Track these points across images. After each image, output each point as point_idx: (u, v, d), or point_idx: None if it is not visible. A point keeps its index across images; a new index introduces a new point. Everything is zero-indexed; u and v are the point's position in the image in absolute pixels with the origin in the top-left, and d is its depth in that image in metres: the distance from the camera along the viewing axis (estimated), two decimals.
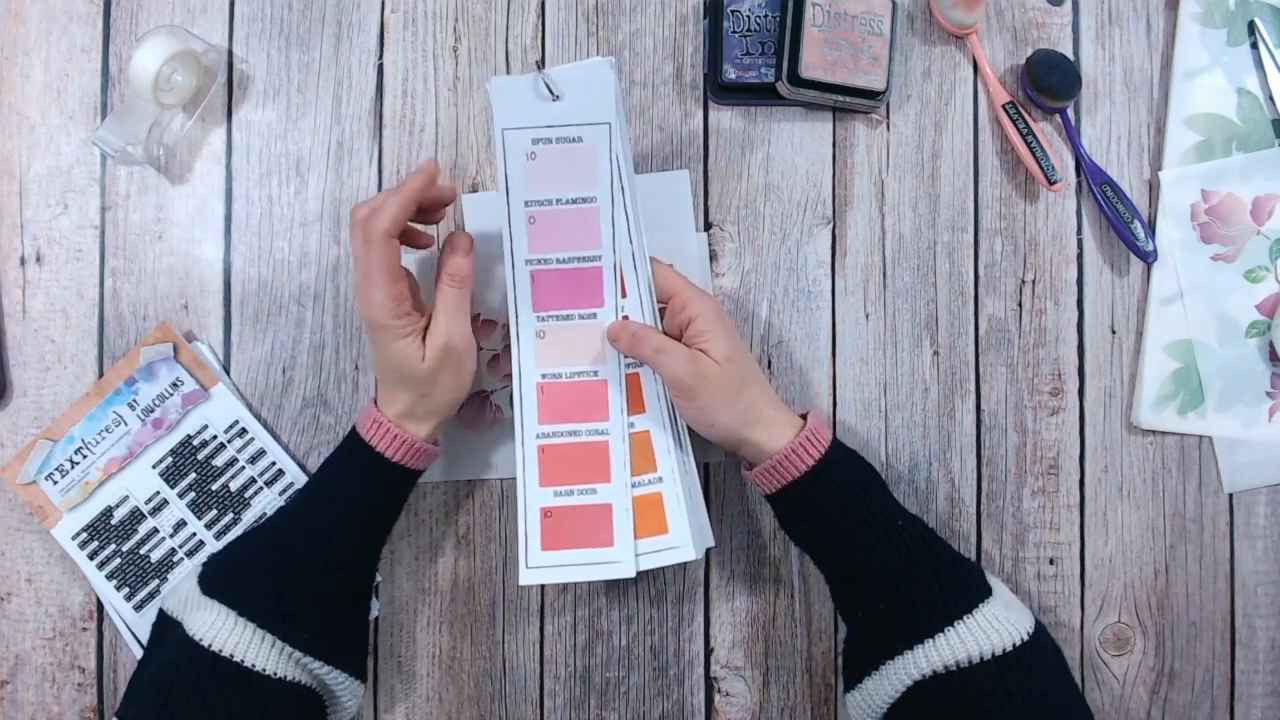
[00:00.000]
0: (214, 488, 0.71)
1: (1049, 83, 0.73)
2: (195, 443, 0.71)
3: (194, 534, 0.71)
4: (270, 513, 0.71)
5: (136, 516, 0.71)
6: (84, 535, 0.70)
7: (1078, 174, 0.75)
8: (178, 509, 0.71)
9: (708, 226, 0.74)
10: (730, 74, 0.72)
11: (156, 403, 0.71)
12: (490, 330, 0.72)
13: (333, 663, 0.62)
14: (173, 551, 0.71)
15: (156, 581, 0.71)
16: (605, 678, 0.73)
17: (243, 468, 0.71)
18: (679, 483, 0.66)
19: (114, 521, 0.70)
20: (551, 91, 0.63)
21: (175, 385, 0.71)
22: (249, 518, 0.71)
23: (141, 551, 0.71)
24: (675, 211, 0.73)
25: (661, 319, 0.66)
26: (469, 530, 0.73)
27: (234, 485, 0.71)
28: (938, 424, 0.74)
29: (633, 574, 0.65)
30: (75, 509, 0.70)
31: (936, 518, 0.74)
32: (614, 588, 0.73)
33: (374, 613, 0.72)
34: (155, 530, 0.71)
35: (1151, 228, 0.75)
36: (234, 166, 0.73)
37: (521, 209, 0.65)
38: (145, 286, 0.72)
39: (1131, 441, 0.75)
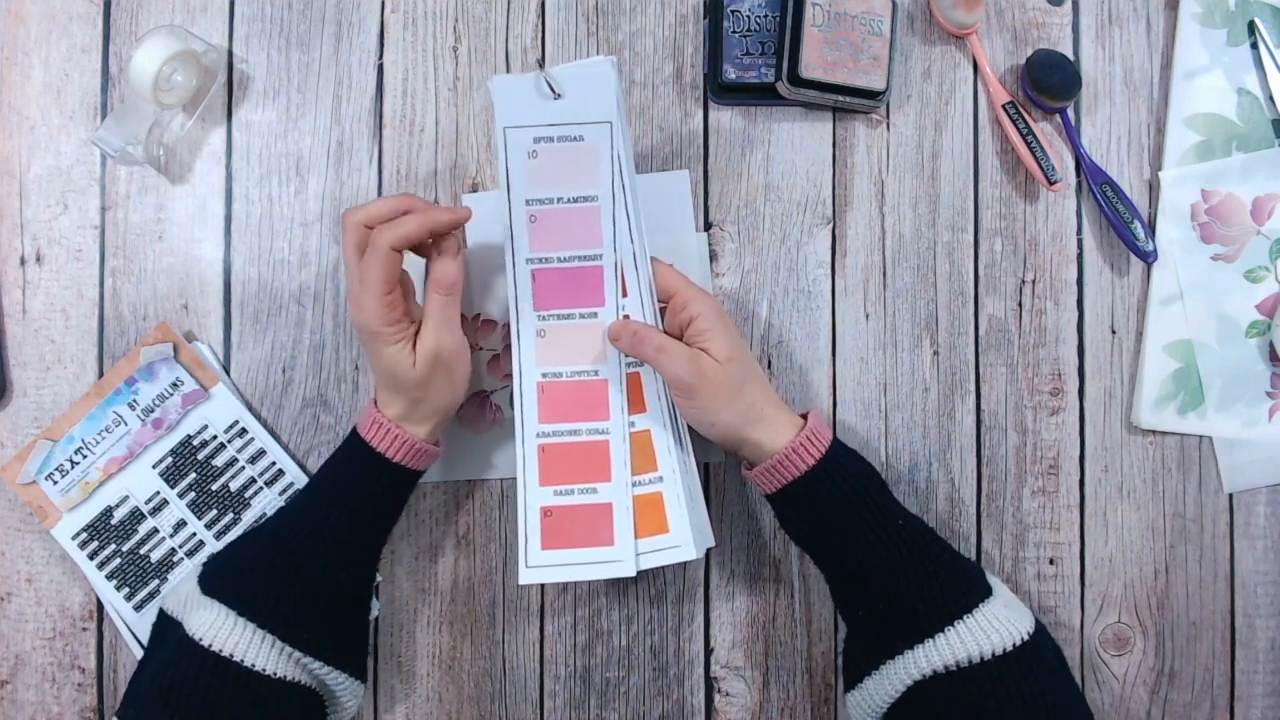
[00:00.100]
0: (214, 488, 0.71)
1: (1049, 83, 0.73)
2: (195, 443, 0.71)
3: (194, 534, 0.71)
4: (270, 513, 0.71)
5: (136, 516, 0.71)
6: (84, 535, 0.70)
7: (1078, 174, 0.76)
8: (178, 509, 0.71)
9: (708, 226, 0.74)
10: (730, 74, 0.72)
11: (156, 403, 0.71)
12: (490, 330, 0.72)
13: (333, 663, 0.62)
14: (173, 551, 0.71)
15: (156, 581, 0.71)
16: (605, 678, 0.73)
17: (243, 468, 0.71)
18: (679, 482, 0.66)
19: (114, 521, 0.70)
20: (553, 90, 0.63)
21: (175, 385, 0.71)
22: (249, 518, 0.71)
23: (141, 551, 0.70)
24: (675, 211, 0.73)
25: (662, 318, 0.66)
26: (469, 530, 0.73)
27: (234, 485, 0.71)
28: (938, 424, 0.74)
29: (633, 573, 0.65)
30: (75, 509, 0.70)
31: (936, 518, 0.74)
32: (614, 588, 0.73)
33: (374, 613, 0.72)
34: (155, 530, 0.71)
35: (1151, 228, 0.75)
36: (234, 166, 0.73)
37: (522, 208, 0.65)
38: (145, 286, 0.72)
39: (1131, 441, 0.75)
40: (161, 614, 0.63)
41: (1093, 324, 0.75)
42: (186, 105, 0.72)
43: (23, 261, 0.72)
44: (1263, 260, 0.75)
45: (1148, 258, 0.74)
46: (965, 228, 0.75)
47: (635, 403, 0.67)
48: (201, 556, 0.71)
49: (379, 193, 0.73)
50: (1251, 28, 0.76)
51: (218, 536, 0.71)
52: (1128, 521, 0.75)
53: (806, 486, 0.62)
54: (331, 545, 0.63)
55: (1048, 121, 0.76)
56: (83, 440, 0.70)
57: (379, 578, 0.72)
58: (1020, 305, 0.75)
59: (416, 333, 0.63)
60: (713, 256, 0.74)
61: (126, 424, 0.70)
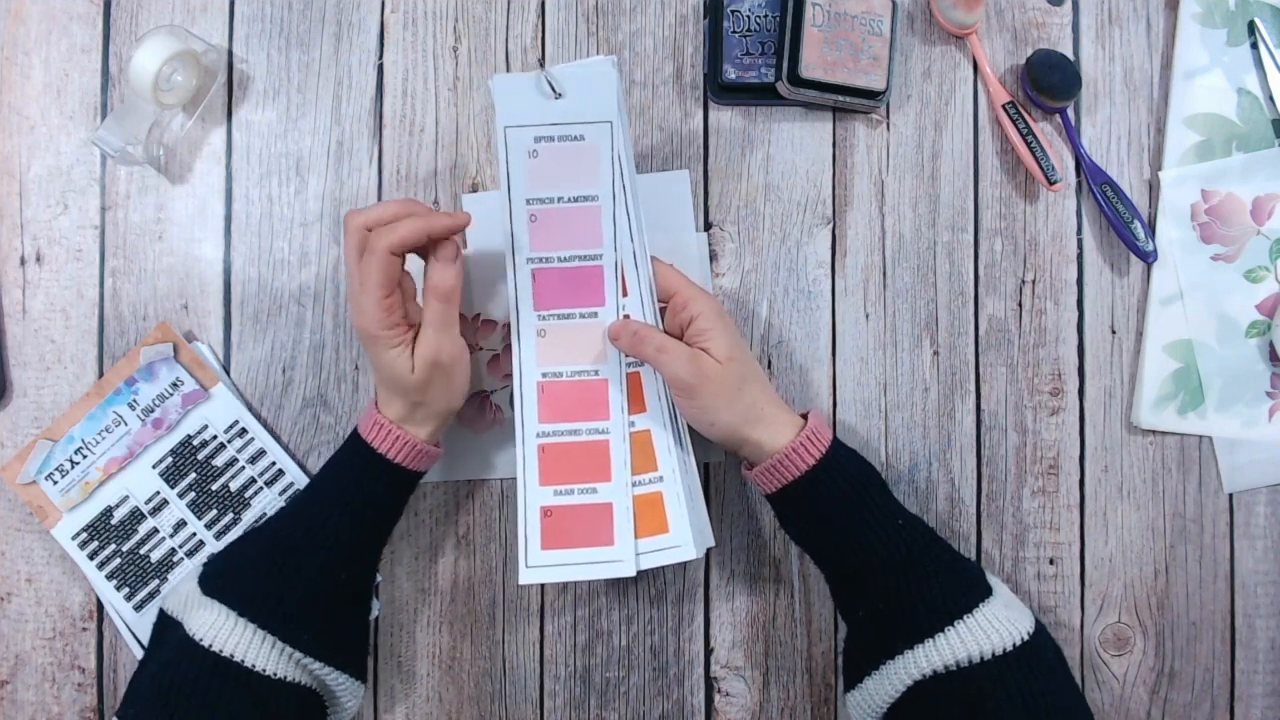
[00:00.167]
0: (214, 488, 0.71)
1: (1049, 83, 0.73)
2: (195, 443, 0.71)
3: (194, 534, 0.71)
4: (270, 513, 0.71)
5: (136, 516, 0.71)
6: (84, 535, 0.70)
7: (1078, 174, 0.76)
8: (178, 509, 0.71)
9: (708, 226, 0.74)
10: (730, 74, 0.72)
11: (156, 403, 0.71)
12: (490, 330, 0.72)
13: (333, 663, 0.62)
14: (173, 551, 0.71)
15: (156, 581, 0.71)
16: (605, 678, 0.73)
17: (243, 468, 0.71)
18: (679, 482, 0.66)
19: (114, 521, 0.70)
20: (554, 89, 0.63)
21: (175, 385, 0.71)
22: (249, 518, 0.71)
23: (141, 551, 0.70)
24: (675, 211, 0.73)
25: (662, 318, 0.66)
26: (469, 530, 0.73)
27: (234, 485, 0.71)
28: (938, 424, 0.74)
29: (633, 573, 0.65)
30: (75, 509, 0.70)
31: (936, 518, 0.74)
32: (614, 588, 0.73)
33: (374, 613, 0.72)
34: (155, 530, 0.71)
35: (1151, 228, 0.75)
36: (234, 166, 0.73)
37: (523, 207, 0.65)
38: (145, 286, 0.72)
39: (1131, 441, 0.75)
40: (162, 614, 0.63)
41: (1093, 324, 0.75)
42: (186, 105, 0.72)
43: (23, 261, 0.72)
44: (1263, 260, 0.75)
45: (1148, 258, 0.74)
46: (965, 228, 0.75)
47: (635, 402, 0.67)
48: (201, 556, 0.71)
49: (379, 193, 0.73)
50: (1251, 28, 0.76)
51: (218, 536, 0.71)
52: (1128, 521, 0.75)
53: (807, 486, 0.62)
54: (332, 546, 0.63)
55: (1048, 121, 0.76)
56: (83, 440, 0.70)
57: (379, 578, 0.72)
58: (1020, 305, 0.75)
59: (416, 337, 0.62)
60: (713, 256, 0.74)
61: (126, 424, 0.70)
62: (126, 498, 0.71)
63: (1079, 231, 0.76)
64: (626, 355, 0.66)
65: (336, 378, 0.73)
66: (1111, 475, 0.75)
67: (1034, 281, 0.75)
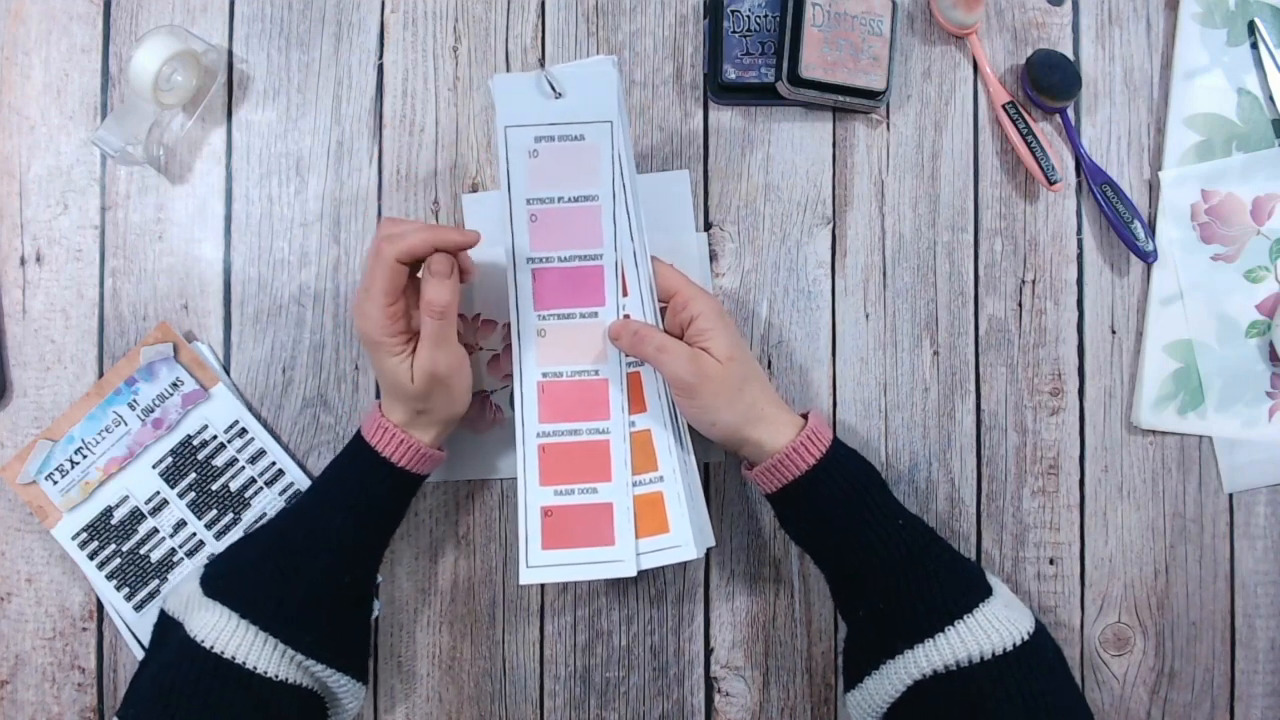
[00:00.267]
0: (214, 488, 0.71)
1: (1049, 83, 0.73)
2: (195, 443, 0.71)
3: (194, 534, 0.71)
4: (270, 513, 0.71)
5: (136, 516, 0.71)
6: (84, 535, 0.70)
7: (1078, 174, 0.76)
8: (178, 509, 0.71)
9: (708, 226, 0.74)
10: (730, 74, 0.72)
11: (156, 403, 0.71)
12: (490, 330, 0.72)
13: (334, 665, 0.62)
14: (173, 551, 0.71)
15: (156, 581, 0.70)
16: (605, 678, 0.73)
17: (243, 468, 0.71)
18: (680, 482, 0.66)
19: (114, 521, 0.70)
20: (554, 89, 0.63)
21: (175, 385, 0.71)
22: (249, 518, 0.71)
23: (141, 551, 0.70)
24: (675, 211, 0.73)
25: (662, 318, 0.66)
26: (469, 530, 0.73)
27: (234, 485, 0.71)
28: (938, 424, 0.74)
29: (634, 573, 0.65)
30: (75, 509, 0.70)
31: (936, 518, 0.74)
32: (614, 588, 0.73)
33: (374, 613, 0.72)
34: (155, 530, 0.71)
35: (1151, 228, 0.75)
36: (234, 166, 0.73)
37: (523, 207, 0.65)
38: (145, 286, 0.72)
39: (1131, 441, 0.75)
40: (162, 615, 0.63)
41: (1093, 324, 0.75)
42: (186, 105, 0.72)
43: (23, 261, 0.72)
44: (1263, 260, 0.75)
45: (1148, 258, 0.74)
46: (965, 228, 0.75)
47: (636, 402, 0.67)
48: (201, 556, 0.71)
49: (379, 193, 0.73)
50: (1251, 28, 0.76)
51: (218, 536, 0.71)
52: (1128, 521, 0.75)
53: (807, 486, 0.62)
54: (335, 548, 0.63)
55: (1048, 121, 0.76)
56: (83, 440, 0.70)
57: (379, 578, 0.72)
58: (1020, 305, 0.75)
59: (416, 348, 0.62)
60: (713, 256, 0.74)
61: (126, 424, 0.70)
62: (126, 498, 0.71)
63: (1079, 231, 0.76)
64: (627, 355, 0.66)
65: (336, 378, 0.73)
66: (1111, 475, 0.75)
67: (1034, 281, 0.75)
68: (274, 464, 0.71)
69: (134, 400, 0.71)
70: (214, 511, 0.71)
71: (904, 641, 0.60)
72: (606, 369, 0.67)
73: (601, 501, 0.66)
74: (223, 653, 0.58)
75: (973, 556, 0.74)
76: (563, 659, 0.73)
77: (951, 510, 0.74)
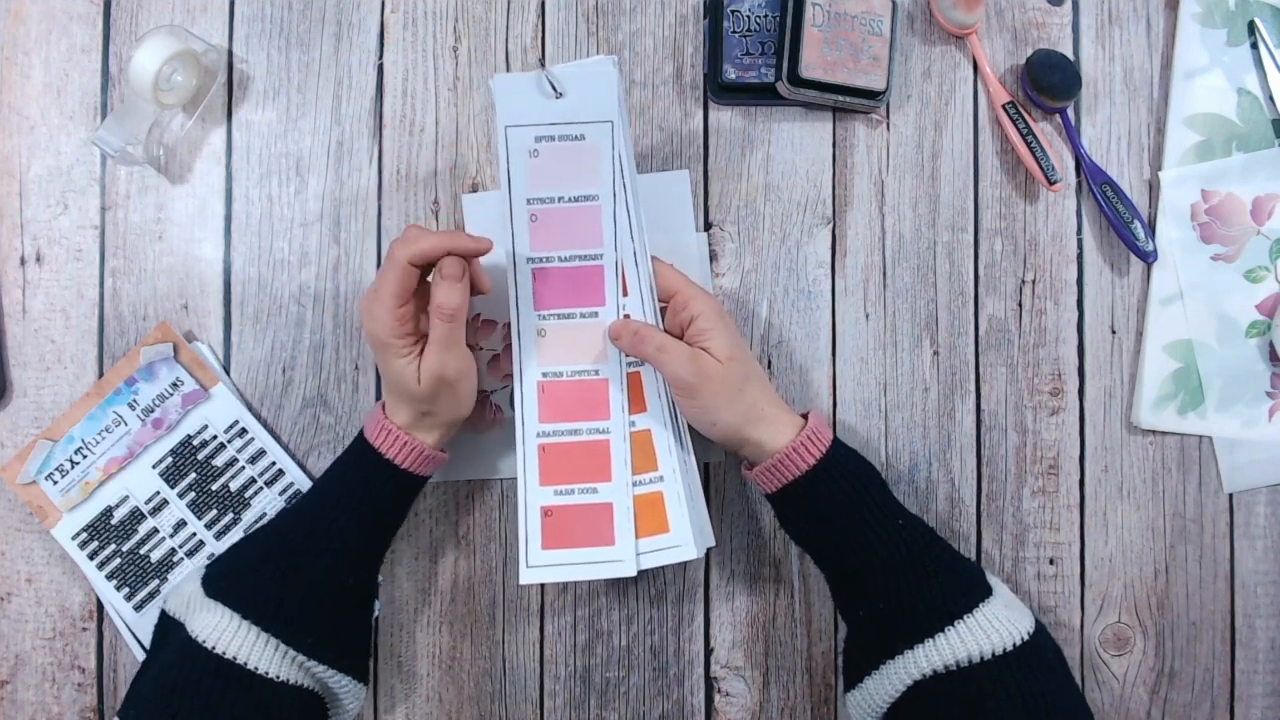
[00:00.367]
0: (214, 488, 0.71)
1: (1049, 83, 0.73)
2: (195, 443, 0.71)
3: (194, 534, 0.71)
4: (270, 513, 0.71)
5: (136, 516, 0.71)
6: (84, 535, 0.70)
7: (1078, 174, 0.76)
8: (178, 509, 0.71)
9: (708, 226, 0.74)
10: (730, 74, 0.72)
11: (156, 403, 0.71)
12: (490, 330, 0.72)
13: (335, 666, 0.62)
14: (173, 551, 0.71)
15: (156, 581, 0.70)
16: (605, 678, 0.73)
17: (243, 468, 0.71)
18: (680, 482, 0.65)
19: (114, 521, 0.70)
20: (555, 89, 0.63)
21: (175, 385, 0.71)
22: (249, 518, 0.71)
23: (141, 551, 0.70)
24: (675, 211, 0.73)
25: (662, 318, 0.66)
26: (469, 530, 0.73)
27: (234, 485, 0.71)
28: (938, 424, 0.74)
29: (634, 573, 0.65)
30: (75, 509, 0.70)
31: (936, 518, 0.74)
32: (614, 588, 0.73)
33: (375, 613, 0.72)
34: (155, 530, 0.71)
35: (1151, 228, 0.75)
36: (234, 166, 0.73)
37: (523, 206, 0.65)
38: (145, 286, 0.72)
39: (1131, 441, 0.75)
40: (163, 615, 0.63)
41: (1093, 324, 0.75)
42: (186, 105, 0.72)
43: (23, 261, 0.72)
44: (1263, 260, 0.75)
45: (1148, 258, 0.74)
46: (965, 228, 0.75)
47: (636, 402, 0.67)
48: (201, 557, 0.71)
49: (379, 193, 0.73)
50: (1251, 28, 0.76)
51: (218, 537, 0.71)
52: (1128, 521, 0.75)
53: (807, 486, 0.62)
54: (336, 549, 0.63)
55: (1048, 121, 0.76)
56: (83, 440, 0.70)
57: (380, 578, 0.72)
58: (1020, 305, 0.75)
59: (423, 350, 0.62)
60: (713, 256, 0.74)
61: (126, 424, 0.70)
62: (126, 498, 0.71)
63: (1079, 231, 0.76)
64: (627, 355, 0.66)
65: (336, 378, 0.73)
66: (1111, 475, 0.75)
67: (1034, 281, 0.75)
68: (274, 464, 0.72)
69: (134, 400, 0.71)
70: (214, 511, 0.71)
71: (904, 641, 0.60)
72: (606, 369, 0.67)
73: (601, 501, 0.66)
74: (224, 653, 0.58)
75: (973, 556, 0.74)
76: (563, 659, 0.73)
77: (951, 510, 0.74)
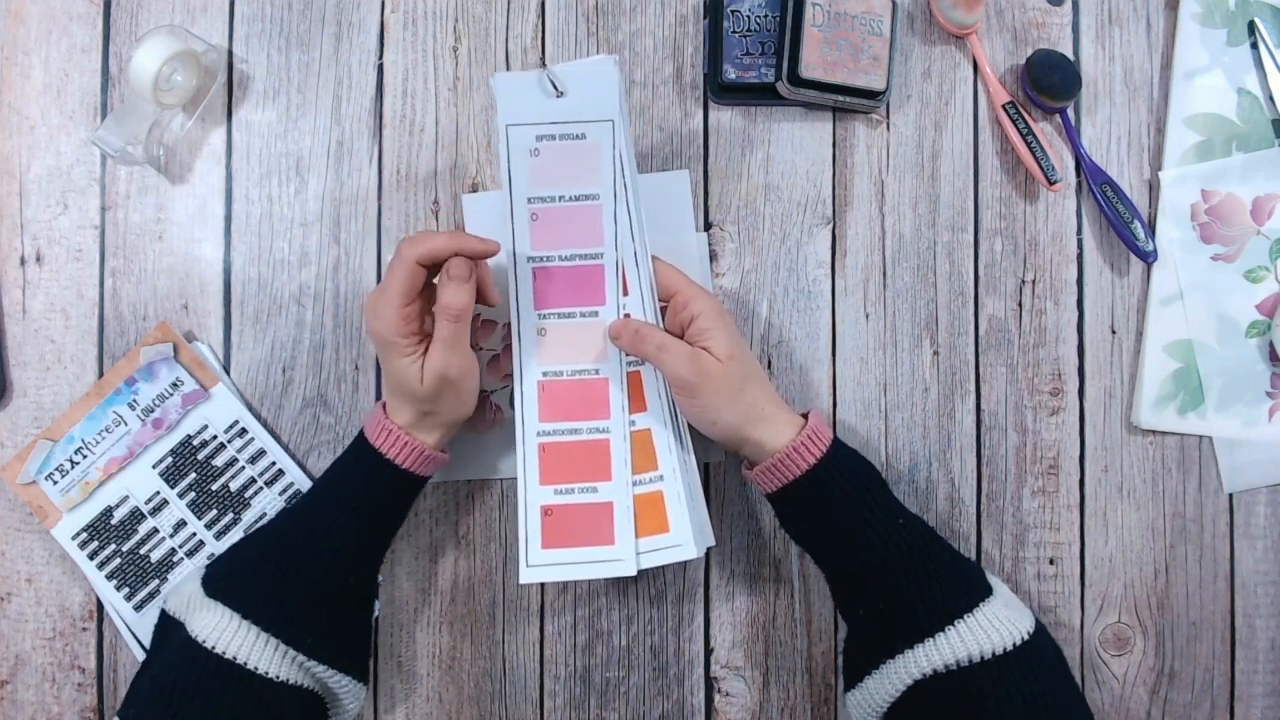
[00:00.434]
0: (214, 488, 0.71)
1: (1049, 83, 0.73)
2: (195, 443, 0.71)
3: (194, 534, 0.71)
4: (270, 513, 0.71)
5: (136, 516, 0.71)
6: (84, 535, 0.70)
7: (1078, 174, 0.76)
8: (178, 509, 0.71)
9: (708, 226, 0.74)
10: (730, 74, 0.72)
11: (156, 403, 0.71)
12: (490, 330, 0.72)
13: (335, 666, 0.62)
14: (173, 551, 0.71)
15: (156, 581, 0.70)
16: (605, 678, 0.73)
17: (243, 468, 0.71)
18: (680, 481, 0.65)
19: (114, 521, 0.70)
20: (556, 88, 0.63)
21: (175, 385, 0.71)
22: (249, 518, 0.71)
23: (141, 551, 0.70)
24: (675, 211, 0.73)
25: (663, 318, 0.66)
26: (469, 530, 0.73)
27: (234, 485, 0.71)
28: (938, 424, 0.74)
29: (634, 572, 0.65)
30: (75, 509, 0.70)
31: (936, 518, 0.74)
32: (614, 588, 0.73)
33: (375, 613, 0.72)
34: (155, 530, 0.71)
35: (1151, 228, 0.75)
36: (234, 166, 0.73)
37: (524, 205, 0.65)
38: (145, 286, 0.72)
39: (1131, 441, 0.75)
40: (163, 615, 0.63)
41: (1093, 324, 0.75)
42: (186, 105, 0.72)
43: (23, 261, 0.72)
44: (1263, 260, 0.75)
45: (1148, 258, 0.74)
46: (965, 228, 0.75)
47: (636, 401, 0.67)
48: (201, 556, 0.71)
49: (379, 193, 0.73)
50: (1251, 28, 0.76)
51: (218, 537, 0.71)
52: (1128, 521, 0.75)
53: (807, 486, 0.62)
54: (337, 549, 0.62)
55: (1048, 121, 0.76)
56: (83, 440, 0.70)
57: (380, 578, 0.72)
58: (1020, 305, 0.75)
59: (428, 349, 0.62)
60: (713, 256, 0.74)
61: (126, 424, 0.70)
62: (126, 498, 0.71)
63: (1079, 231, 0.76)
64: (627, 354, 0.66)
65: (336, 378, 0.73)
66: (1111, 475, 0.75)
67: (1034, 281, 0.75)
68: (274, 464, 0.71)
69: (134, 400, 0.71)
70: (214, 511, 0.71)
71: (904, 641, 0.60)
72: (607, 368, 0.67)
73: (601, 501, 0.66)
74: (224, 653, 0.58)
75: (973, 556, 0.74)
76: (563, 659, 0.73)
77: (951, 510, 0.74)
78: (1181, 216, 0.75)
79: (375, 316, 0.61)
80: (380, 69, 0.73)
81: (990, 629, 0.59)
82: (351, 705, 0.65)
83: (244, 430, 0.71)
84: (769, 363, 0.74)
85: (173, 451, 0.71)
